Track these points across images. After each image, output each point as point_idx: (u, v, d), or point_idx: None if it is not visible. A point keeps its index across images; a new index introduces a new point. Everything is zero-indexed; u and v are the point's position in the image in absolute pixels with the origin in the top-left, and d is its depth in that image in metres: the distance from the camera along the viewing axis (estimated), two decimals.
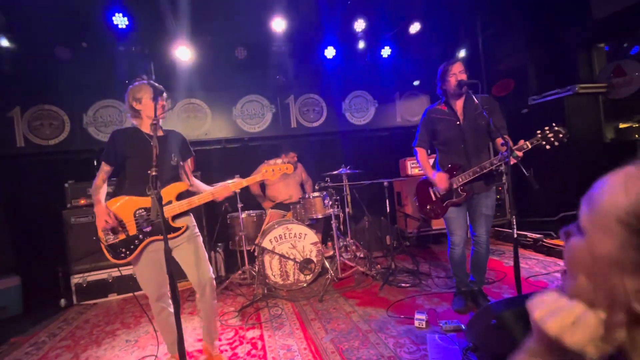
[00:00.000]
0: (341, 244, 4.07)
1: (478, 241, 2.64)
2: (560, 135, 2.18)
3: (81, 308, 3.65)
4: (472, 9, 4.87)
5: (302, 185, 4.60)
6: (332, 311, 2.93)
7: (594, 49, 4.21)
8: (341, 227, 4.21)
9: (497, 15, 4.76)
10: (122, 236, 2.04)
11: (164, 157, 2.11)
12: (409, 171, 4.92)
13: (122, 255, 2.04)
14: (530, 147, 2.24)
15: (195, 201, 2.12)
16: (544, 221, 4.12)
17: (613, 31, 3.99)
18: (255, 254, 3.58)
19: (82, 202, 3.85)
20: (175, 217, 2.11)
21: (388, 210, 3.95)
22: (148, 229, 2.05)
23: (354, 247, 4.14)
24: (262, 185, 4.49)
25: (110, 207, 2.02)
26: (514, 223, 2.09)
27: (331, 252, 4.20)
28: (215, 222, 4.14)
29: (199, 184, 2.33)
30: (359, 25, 4.49)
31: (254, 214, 4.06)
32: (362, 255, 4.16)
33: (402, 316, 2.67)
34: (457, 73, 2.52)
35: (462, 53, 5.14)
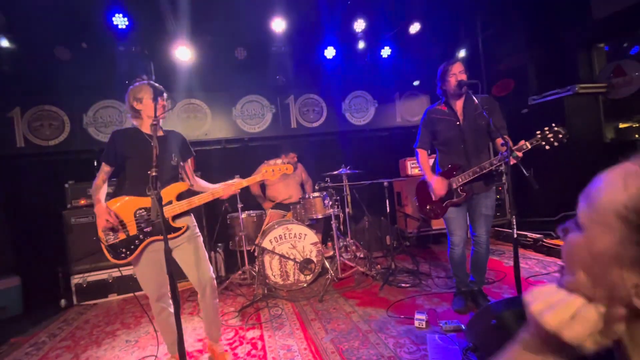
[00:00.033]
0: (341, 244, 4.07)
1: (478, 241, 2.64)
2: (560, 136, 2.18)
3: (81, 308, 3.65)
4: (472, 9, 4.87)
5: (302, 186, 4.60)
6: (332, 311, 2.93)
7: (594, 49, 4.21)
8: (341, 227, 4.21)
9: (497, 15, 4.76)
10: (122, 236, 2.04)
11: (164, 157, 2.11)
12: (409, 171, 4.92)
13: (123, 255, 2.04)
14: (529, 147, 2.24)
15: (196, 201, 2.12)
16: (544, 221, 4.12)
17: (613, 31, 3.99)
18: (255, 254, 3.58)
19: (82, 202, 3.85)
20: (175, 217, 2.11)
21: (388, 210, 3.95)
22: (148, 229, 2.05)
23: (354, 247, 4.14)
24: (262, 186, 4.49)
25: (110, 207, 2.02)
26: (514, 223, 2.09)
27: (331, 252, 4.20)
28: (215, 222, 4.14)
29: (202, 183, 2.33)
30: (359, 25, 4.50)
31: (254, 214, 4.07)
32: (362, 256, 4.16)
33: (402, 316, 2.67)
34: (457, 73, 2.52)
35: (462, 53, 5.14)
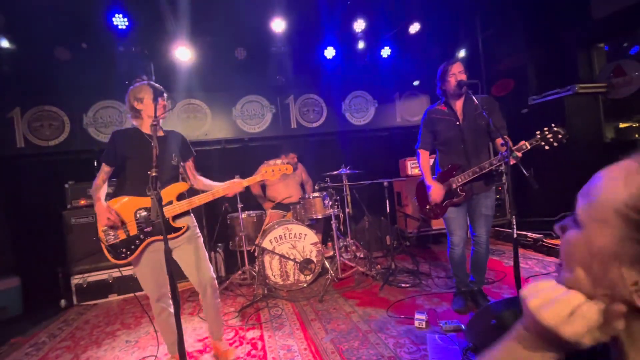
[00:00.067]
0: (341, 244, 4.08)
1: (478, 241, 2.65)
2: (560, 136, 2.18)
3: (81, 309, 3.65)
4: (472, 9, 4.87)
5: (302, 186, 4.60)
6: (332, 311, 2.93)
7: (594, 48, 4.21)
8: (341, 227, 4.21)
9: (497, 15, 4.76)
10: (122, 236, 2.04)
11: (164, 157, 2.11)
12: (409, 171, 4.92)
13: (123, 255, 2.04)
14: (529, 147, 2.24)
15: (196, 201, 2.13)
16: (544, 221, 4.12)
17: (613, 31, 3.99)
18: (255, 254, 3.58)
19: (82, 202, 3.85)
20: (176, 217, 2.12)
21: (388, 210, 3.95)
22: (149, 229, 2.05)
23: (354, 248, 4.14)
24: (263, 186, 4.49)
25: (111, 207, 2.02)
26: (514, 223, 2.09)
27: (331, 253, 4.21)
28: (215, 222, 4.14)
29: (207, 181, 2.33)
30: (359, 25, 4.50)
31: (254, 215, 4.07)
32: (362, 256, 4.16)
33: (402, 316, 2.67)
34: (456, 73, 2.52)
35: (461, 53, 5.14)
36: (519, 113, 4.42)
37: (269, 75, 5.02)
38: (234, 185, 2.20)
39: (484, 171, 2.42)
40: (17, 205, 4.21)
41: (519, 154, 2.20)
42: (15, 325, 3.35)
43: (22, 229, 4.18)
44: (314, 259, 3.61)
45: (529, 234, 4.11)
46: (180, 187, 2.15)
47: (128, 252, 2.05)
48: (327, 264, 3.62)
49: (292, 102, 5.25)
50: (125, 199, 2.07)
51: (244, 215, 3.84)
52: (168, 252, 1.64)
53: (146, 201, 2.05)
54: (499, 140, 2.34)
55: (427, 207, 2.73)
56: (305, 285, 3.58)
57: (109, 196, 2.09)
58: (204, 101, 4.95)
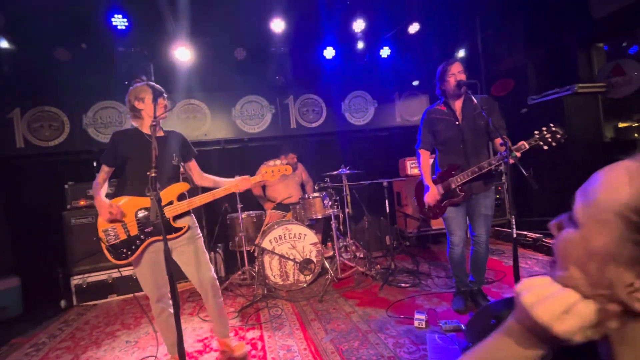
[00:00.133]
0: (341, 244, 4.08)
1: (477, 241, 2.65)
2: (558, 136, 2.18)
3: (81, 309, 3.65)
4: (472, 9, 4.87)
5: (302, 186, 4.61)
6: (332, 311, 2.93)
7: (593, 48, 4.21)
8: (341, 227, 4.21)
9: (497, 15, 4.76)
10: (123, 236, 2.05)
11: (164, 157, 2.11)
12: (409, 171, 4.92)
13: (124, 255, 2.05)
14: (528, 147, 2.25)
15: (196, 201, 2.13)
16: (544, 221, 4.09)
17: (612, 30, 3.99)
18: (255, 254, 3.58)
19: (82, 203, 3.85)
20: (176, 218, 2.12)
21: (388, 210, 3.95)
22: (149, 229, 2.05)
23: (353, 248, 4.14)
24: (263, 187, 4.49)
25: (112, 202, 2.03)
26: (514, 223, 2.09)
27: (331, 253, 4.21)
28: (215, 222, 4.14)
29: (215, 178, 2.34)
30: (358, 25, 4.50)
31: (253, 215, 4.07)
32: (361, 256, 4.17)
33: (402, 316, 2.67)
34: (456, 73, 2.52)
35: (461, 53, 5.15)
36: (519, 113, 4.43)
37: (269, 75, 5.02)
38: (243, 182, 2.22)
39: (483, 171, 2.42)
40: (17, 205, 4.21)
41: (518, 154, 2.21)
42: (15, 325, 3.35)
43: (22, 229, 4.18)
44: (314, 259, 3.61)
45: (529, 234, 4.11)
46: (180, 187, 2.15)
47: (129, 253, 2.05)
48: (326, 264, 3.62)
49: (291, 102, 5.25)
50: (125, 199, 2.07)
51: (243, 216, 3.84)
52: (167, 252, 1.64)
53: (147, 201, 2.05)
54: (498, 140, 2.34)
55: (427, 207, 2.73)
56: (305, 285, 3.58)
57: (109, 196, 2.09)
58: (203, 101, 4.95)
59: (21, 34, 3.80)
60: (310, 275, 3.59)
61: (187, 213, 2.18)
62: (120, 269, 3.69)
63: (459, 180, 2.52)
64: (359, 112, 5.53)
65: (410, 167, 4.91)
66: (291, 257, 3.54)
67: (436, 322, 2.49)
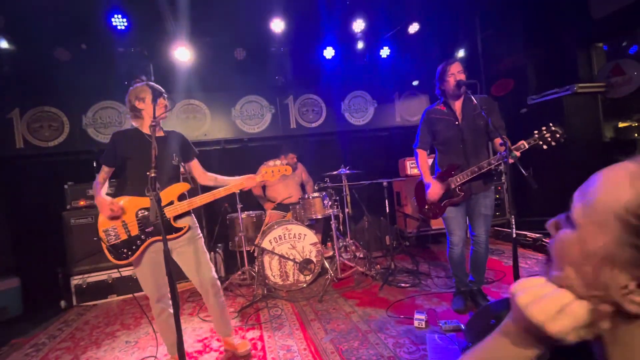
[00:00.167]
0: (341, 244, 4.08)
1: (477, 241, 2.65)
2: (558, 135, 2.19)
3: (81, 309, 3.65)
4: (472, 9, 4.87)
5: (302, 186, 4.61)
6: (331, 311, 2.93)
7: (593, 48, 4.22)
8: (341, 227, 4.21)
9: (496, 15, 4.76)
10: (124, 236, 2.05)
11: (164, 157, 2.12)
12: (409, 171, 4.92)
13: (124, 255, 2.05)
14: (527, 147, 2.25)
15: (197, 202, 2.13)
16: (543, 220, 4.08)
17: (612, 30, 3.99)
18: (255, 254, 3.58)
19: (82, 203, 3.85)
20: (177, 218, 2.12)
21: (387, 210, 3.95)
22: (150, 229, 2.05)
23: (353, 248, 4.14)
24: (263, 187, 4.49)
25: (113, 199, 2.03)
26: (513, 223, 2.09)
27: (331, 253, 4.21)
28: (214, 222, 4.14)
29: (219, 177, 2.34)
30: (358, 25, 4.50)
31: (253, 215, 4.07)
32: (361, 256, 4.17)
33: (402, 316, 2.67)
34: (455, 73, 2.52)
35: (461, 53, 5.15)
36: (519, 113, 4.43)
37: (269, 75, 5.03)
38: (249, 180, 2.23)
39: (483, 171, 2.42)
40: (16, 206, 4.21)
41: (518, 154, 2.21)
42: (15, 325, 3.35)
43: (22, 229, 4.18)
44: (314, 259, 3.61)
45: (528, 234, 4.11)
46: (181, 187, 2.15)
47: (129, 253, 2.05)
48: (326, 264, 3.62)
49: (291, 102, 5.25)
50: (126, 199, 2.07)
51: (243, 216, 3.84)
52: (167, 253, 1.64)
53: (147, 201, 2.05)
54: (498, 140, 2.35)
55: (426, 206, 2.73)
56: (304, 285, 3.58)
57: (110, 197, 2.09)
58: (203, 101, 4.95)
59: (21, 34, 3.79)
60: (310, 275, 3.59)
61: (187, 213, 2.18)
62: (120, 269, 3.70)
63: (458, 180, 2.52)
64: (359, 112, 5.53)
65: (410, 167, 4.91)
66: (291, 257, 3.54)
67: (436, 322, 2.49)
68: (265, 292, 3.37)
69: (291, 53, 4.79)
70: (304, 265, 3.57)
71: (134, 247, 2.05)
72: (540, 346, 0.56)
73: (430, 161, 2.78)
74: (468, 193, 2.56)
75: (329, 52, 4.80)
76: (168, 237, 2.04)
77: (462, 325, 2.34)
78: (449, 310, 2.72)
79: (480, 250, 2.65)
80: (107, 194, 2.11)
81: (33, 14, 3.53)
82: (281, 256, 3.52)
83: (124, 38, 3.98)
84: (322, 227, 4.39)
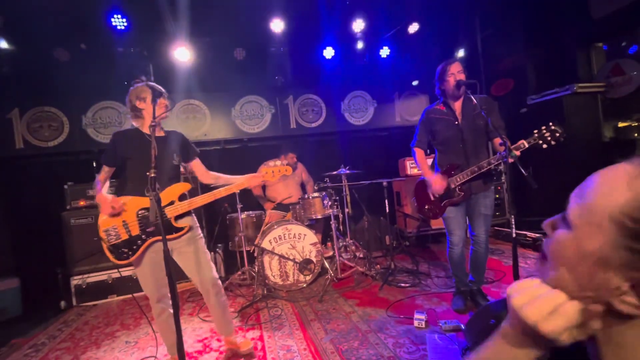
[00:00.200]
0: (340, 244, 4.07)
1: (477, 241, 2.65)
2: (557, 134, 2.19)
3: (81, 309, 3.65)
4: (471, 9, 4.87)
5: (302, 186, 4.60)
6: (331, 311, 2.93)
7: (593, 48, 4.22)
8: (340, 227, 4.21)
9: (496, 15, 4.76)
10: (124, 236, 2.05)
11: (165, 157, 2.12)
12: (408, 171, 4.92)
13: (125, 255, 2.05)
14: (527, 146, 2.25)
15: (197, 201, 2.13)
16: (543, 220, 4.12)
17: (611, 30, 3.99)
18: (255, 254, 3.58)
19: (82, 203, 3.85)
20: (178, 218, 2.12)
21: (387, 210, 3.95)
22: (151, 229, 2.05)
23: (353, 247, 4.14)
24: (263, 187, 4.49)
25: (114, 196, 2.03)
26: (513, 222, 2.09)
27: (331, 253, 4.20)
28: (214, 222, 4.14)
29: (223, 176, 2.34)
30: (358, 25, 4.50)
31: (253, 215, 4.07)
32: (361, 256, 4.16)
33: (402, 316, 2.67)
34: (455, 73, 2.52)
35: (461, 53, 5.15)
36: (518, 113, 4.43)
37: (268, 75, 5.02)
38: (253, 179, 2.23)
39: (483, 170, 2.42)
40: (16, 206, 4.21)
41: (518, 153, 2.21)
42: (14, 326, 3.35)
43: (22, 229, 4.18)
44: (314, 259, 3.61)
45: (528, 234, 4.11)
46: (181, 187, 2.15)
47: (130, 253, 2.05)
48: (326, 264, 3.62)
49: (291, 102, 5.25)
50: (127, 198, 2.07)
51: (243, 216, 3.84)
52: (167, 253, 1.64)
53: (148, 201, 2.05)
54: (497, 140, 2.35)
55: (426, 206, 2.73)
56: (304, 285, 3.58)
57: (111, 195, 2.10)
58: (203, 102, 4.95)
59: (21, 34, 3.79)
60: (310, 275, 3.59)
61: (188, 213, 2.18)
62: (120, 270, 3.69)
63: (458, 180, 2.52)
64: (359, 112, 5.53)
65: (410, 167, 4.92)
66: (291, 257, 3.54)
67: (436, 322, 2.49)
68: (265, 292, 3.37)
69: (291, 53, 4.79)
70: (304, 265, 3.57)
71: (134, 247, 2.05)
72: (539, 348, 0.57)
73: (429, 161, 2.78)
74: (468, 193, 2.56)
75: (328, 52, 4.80)
76: (169, 237, 2.05)
77: (462, 325, 2.34)
78: (448, 310, 2.72)
79: (480, 250, 2.65)
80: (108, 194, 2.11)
81: (33, 14, 3.53)
82: (281, 256, 3.52)
83: (123, 38, 3.98)
84: (322, 227, 4.39)
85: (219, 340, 2.61)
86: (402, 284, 3.35)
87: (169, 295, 2.13)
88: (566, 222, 0.56)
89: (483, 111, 2.38)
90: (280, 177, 2.42)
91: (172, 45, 4.15)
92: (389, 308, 2.85)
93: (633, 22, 3.66)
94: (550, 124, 2.21)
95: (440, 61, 2.63)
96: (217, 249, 4.26)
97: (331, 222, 3.76)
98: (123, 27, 3.82)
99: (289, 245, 3.56)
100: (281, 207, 4.25)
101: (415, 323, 2.47)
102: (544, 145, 2.22)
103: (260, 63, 4.77)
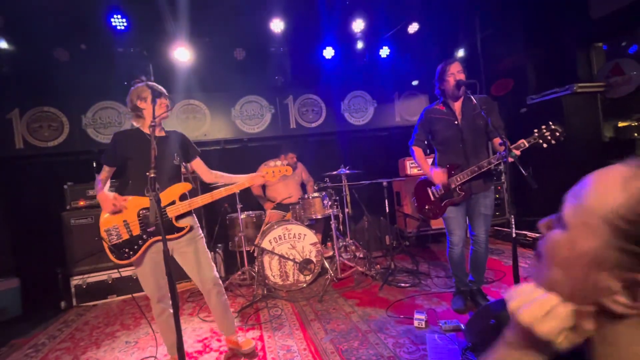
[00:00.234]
0: (340, 244, 4.07)
1: (477, 241, 2.65)
2: (557, 134, 2.19)
3: (81, 310, 3.65)
4: (471, 9, 4.87)
5: (303, 186, 4.60)
6: (331, 311, 2.93)
7: (593, 48, 4.22)
8: (340, 227, 4.21)
9: (496, 15, 4.76)
10: (125, 236, 2.05)
11: (165, 157, 2.12)
12: (408, 171, 4.92)
13: (126, 255, 2.05)
14: (527, 145, 2.25)
15: (198, 201, 2.13)
16: None
17: (611, 30, 3.99)
18: (255, 254, 3.58)
19: (82, 203, 3.85)
20: (178, 217, 2.12)
21: (387, 210, 3.95)
22: (152, 229, 2.05)
23: (353, 247, 4.14)
24: (263, 187, 4.49)
25: (116, 194, 2.04)
26: (513, 222, 2.10)
27: (330, 253, 4.20)
28: (214, 222, 4.14)
29: (226, 175, 2.34)
30: (358, 25, 4.49)
31: (253, 215, 4.07)
32: (361, 256, 4.16)
33: (402, 316, 2.67)
34: (455, 73, 2.52)
35: (460, 53, 5.15)
36: (518, 113, 4.43)
37: (268, 75, 5.02)
38: (256, 178, 2.23)
39: (483, 170, 2.42)
40: (16, 206, 4.21)
41: (518, 152, 2.21)
42: (14, 326, 3.35)
43: (22, 230, 4.18)
44: (314, 259, 3.61)
45: (528, 233, 4.11)
46: (182, 187, 2.15)
47: (131, 252, 2.05)
48: (326, 264, 3.62)
49: (291, 102, 5.25)
50: (128, 198, 2.07)
51: (243, 216, 3.84)
52: (166, 253, 1.64)
53: (149, 201, 2.05)
54: (497, 140, 2.35)
55: (427, 207, 2.73)
56: (304, 285, 3.58)
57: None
58: (203, 102, 4.95)
59: (21, 34, 3.79)
60: (310, 275, 3.59)
61: (189, 213, 2.19)
62: (120, 270, 3.69)
63: (458, 179, 2.52)
64: (359, 112, 5.53)
65: (410, 167, 4.92)
66: (291, 257, 3.54)
67: (436, 322, 2.49)
68: (265, 292, 3.37)
69: (291, 53, 4.79)
70: (304, 265, 3.57)
71: (135, 247, 2.05)
72: (541, 354, 0.57)
73: (429, 161, 2.78)
74: (468, 193, 2.56)
75: (328, 52, 4.80)
76: (170, 236, 2.05)
77: (462, 325, 2.34)
78: (448, 310, 2.72)
79: (480, 250, 2.65)
80: None
81: (33, 14, 3.53)
82: (281, 256, 3.52)
83: (123, 38, 3.98)
84: (322, 227, 4.39)
85: (219, 340, 2.61)
86: (402, 284, 3.35)
87: (170, 295, 2.14)
88: (561, 223, 0.56)
89: (483, 111, 2.38)
90: (280, 177, 2.42)
91: (172, 45, 4.15)
92: (389, 308, 2.85)
93: (633, 22, 3.66)
94: (550, 123, 2.21)
95: (440, 61, 2.63)
96: (217, 249, 4.26)
97: (331, 222, 3.76)
98: (123, 27, 3.82)
99: (289, 245, 3.56)
100: (281, 207, 4.25)
101: (415, 323, 2.47)
102: (544, 145, 2.22)
103: (260, 63, 4.77)
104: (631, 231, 0.46)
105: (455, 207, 2.62)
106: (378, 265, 3.88)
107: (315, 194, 3.83)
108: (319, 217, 3.82)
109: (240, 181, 2.24)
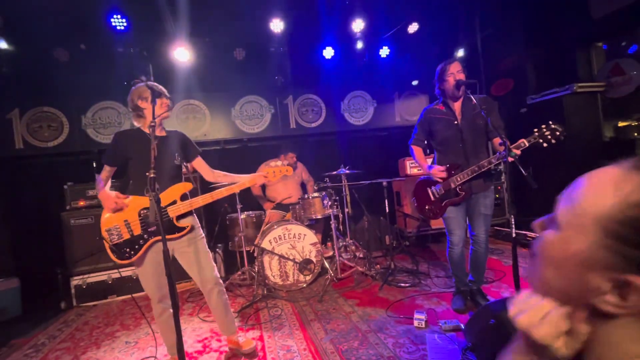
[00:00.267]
0: (340, 244, 4.07)
1: (477, 240, 2.65)
2: (557, 133, 2.19)
3: (81, 310, 3.65)
4: (471, 9, 4.87)
5: (303, 185, 4.60)
6: (331, 311, 2.93)
7: (593, 48, 4.22)
8: (340, 227, 4.21)
9: (496, 15, 4.76)
10: (126, 236, 2.05)
11: (166, 157, 2.12)
12: (408, 171, 4.92)
13: (127, 255, 2.05)
14: (527, 145, 2.25)
15: (198, 201, 2.13)
16: None
17: (611, 30, 3.99)
18: (255, 254, 3.58)
19: (82, 203, 3.85)
20: (179, 217, 2.12)
21: (387, 210, 3.95)
22: (153, 229, 2.05)
23: (353, 247, 4.14)
24: (263, 187, 4.49)
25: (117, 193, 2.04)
26: (513, 222, 2.10)
27: (330, 253, 4.20)
28: (214, 222, 4.14)
29: (228, 174, 2.36)
30: (358, 25, 4.49)
31: (253, 215, 4.07)
32: (361, 255, 4.16)
33: (402, 316, 2.67)
34: (455, 72, 2.52)
35: (460, 53, 5.15)
36: (518, 113, 4.43)
37: (268, 75, 5.02)
38: (255, 178, 2.25)
39: (483, 170, 2.42)
40: (16, 206, 4.21)
41: (518, 152, 2.21)
42: (14, 326, 3.35)
43: (22, 230, 4.18)
44: (314, 259, 3.61)
45: (528, 233, 4.11)
46: (183, 187, 2.15)
47: (132, 252, 2.05)
48: (326, 264, 3.62)
49: (291, 102, 5.25)
50: (129, 198, 2.07)
51: (243, 216, 3.83)
52: (166, 253, 1.64)
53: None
54: (497, 140, 2.35)
55: (427, 207, 2.73)
56: (304, 285, 3.58)
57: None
58: (202, 102, 4.95)
59: (21, 34, 3.79)
60: (310, 275, 3.59)
61: (189, 213, 2.19)
62: (120, 270, 3.69)
63: (458, 179, 2.52)
64: (359, 112, 5.53)
65: (410, 166, 4.91)
66: (291, 257, 3.54)
67: (436, 321, 2.49)
68: (265, 292, 3.37)
69: (291, 53, 4.79)
70: (304, 265, 3.57)
71: (136, 247, 2.05)
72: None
73: (429, 161, 2.78)
74: (468, 193, 2.56)
75: (328, 52, 4.80)
76: (171, 236, 2.06)
77: (461, 325, 2.34)
78: (448, 310, 2.72)
79: (480, 250, 2.65)
80: None
81: (33, 14, 3.53)
82: (281, 256, 3.52)
83: (123, 38, 3.98)
84: (322, 227, 4.38)
85: (219, 340, 2.61)
86: (402, 284, 3.35)
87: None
88: (554, 223, 0.57)
89: (483, 111, 2.38)
90: (280, 177, 2.42)
91: (171, 45, 4.15)
92: (388, 308, 2.85)
93: (633, 22, 3.66)
94: (550, 122, 2.21)
95: (440, 61, 2.63)
96: (217, 249, 4.26)
97: (331, 222, 3.76)
98: (123, 27, 3.82)
99: (288, 245, 3.56)
100: (281, 207, 4.25)
101: (415, 323, 2.47)
102: (545, 144, 2.23)
103: (260, 63, 4.77)
104: (621, 232, 0.47)
105: (455, 207, 2.62)
106: (378, 265, 3.88)
107: (315, 194, 3.83)
108: (319, 217, 3.82)
109: (242, 181, 2.24)
